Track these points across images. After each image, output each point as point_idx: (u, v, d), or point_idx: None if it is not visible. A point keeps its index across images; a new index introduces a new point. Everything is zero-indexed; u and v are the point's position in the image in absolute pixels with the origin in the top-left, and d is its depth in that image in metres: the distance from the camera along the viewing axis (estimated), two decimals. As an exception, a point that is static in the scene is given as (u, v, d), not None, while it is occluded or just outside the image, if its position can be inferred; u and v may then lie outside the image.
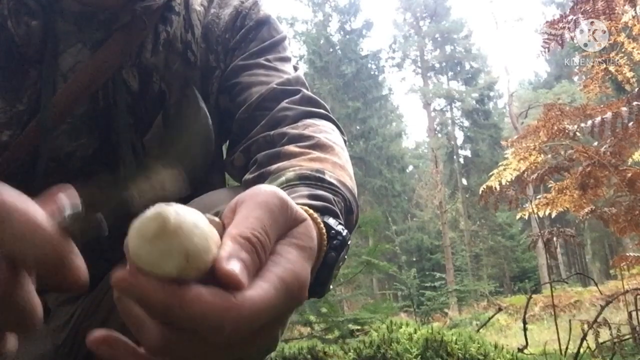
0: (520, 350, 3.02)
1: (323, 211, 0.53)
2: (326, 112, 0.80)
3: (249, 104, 0.79)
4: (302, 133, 0.71)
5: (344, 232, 0.51)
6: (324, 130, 0.74)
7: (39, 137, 0.73)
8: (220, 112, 0.86)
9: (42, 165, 0.74)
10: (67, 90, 0.74)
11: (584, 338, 2.86)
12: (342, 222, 0.55)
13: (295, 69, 0.87)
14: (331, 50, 25.91)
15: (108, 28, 0.77)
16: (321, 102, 0.82)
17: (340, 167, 0.66)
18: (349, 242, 0.52)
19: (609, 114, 2.81)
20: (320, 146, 0.69)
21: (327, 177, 0.60)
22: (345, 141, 0.79)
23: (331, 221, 0.51)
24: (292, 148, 0.68)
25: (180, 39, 0.83)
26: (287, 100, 0.78)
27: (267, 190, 0.40)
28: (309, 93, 0.82)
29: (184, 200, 0.71)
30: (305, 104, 0.78)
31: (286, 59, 0.88)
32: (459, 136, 28.94)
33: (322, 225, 0.48)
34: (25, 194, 0.30)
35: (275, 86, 0.80)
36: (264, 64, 0.84)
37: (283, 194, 0.40)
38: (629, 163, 3.36)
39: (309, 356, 2.95)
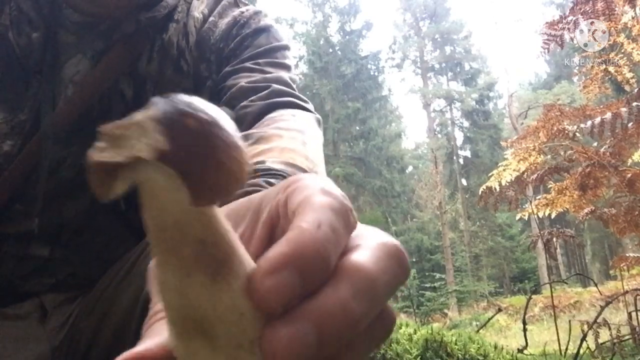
0: (520, 350, 3.02)
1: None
2: (293, 99, 0.77)
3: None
4: (248, 133, 0.67)
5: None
6: (280, 120, 0.70)
7: (40, 148, 0.73)
8: None
9: (44, 176, 0.73)
10: (69, 102, 0.74)
11: (583, 338, 2.86)
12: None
13: (293, 80, 0.83)
14: (331, 50, 25.92)
15: (108, 38, 0.76)
16: (293, 90, 0.79)
17: (289, 150, 0.62)
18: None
19: (608, 115, 2.80)
20: (265, 139, 0.65)
21: (264, 166, 0.57)
22: (319, 121, 0.76)
23: None
24: None
25: (176, 45, 0.82)
26: (251, 98, 0.75)
27: None
28: (280, 87, 0.78)
29: None
30: (272, 97, 0.75)
31: (281, 65, 0.84)
32: (459, 137, 28.97)
33: None
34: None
35: (243, 84, 0.77)
36: (250, 67, 0.81)
37: None
38: (629, 163, 3.35)
39: (308, 357, 2.95)
